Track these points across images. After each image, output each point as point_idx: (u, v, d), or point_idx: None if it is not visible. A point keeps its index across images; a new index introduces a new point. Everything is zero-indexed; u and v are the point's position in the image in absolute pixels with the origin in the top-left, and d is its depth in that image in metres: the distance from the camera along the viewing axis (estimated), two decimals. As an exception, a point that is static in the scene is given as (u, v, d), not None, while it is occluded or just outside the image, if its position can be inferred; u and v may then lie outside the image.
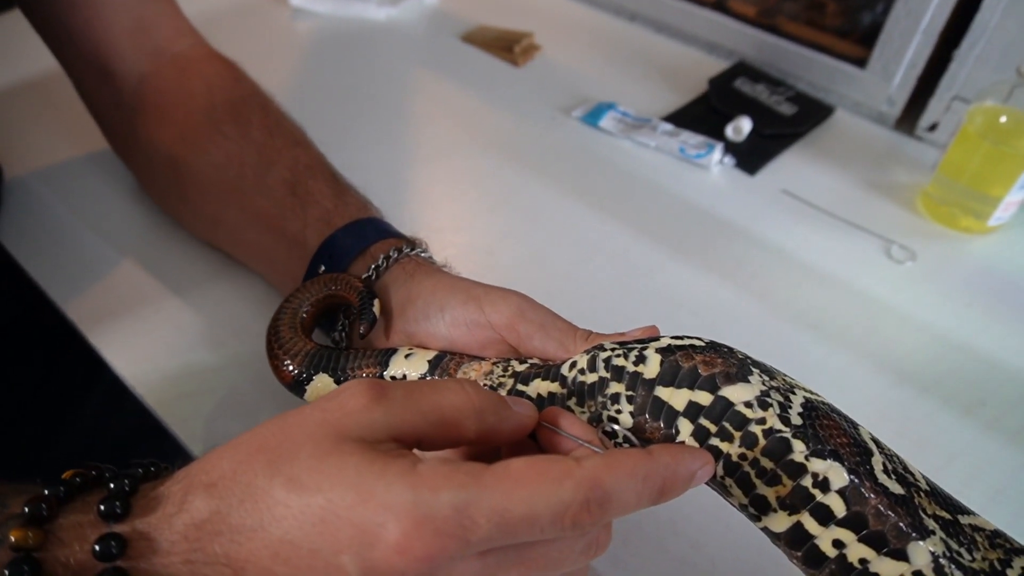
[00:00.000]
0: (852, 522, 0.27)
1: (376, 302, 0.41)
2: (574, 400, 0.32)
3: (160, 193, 0.57)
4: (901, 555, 0.26)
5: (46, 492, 0.27)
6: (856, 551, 0.27)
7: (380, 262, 0.42)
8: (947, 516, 0.28)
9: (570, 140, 0.70)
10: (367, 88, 0.75)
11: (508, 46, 0.79)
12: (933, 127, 0.70)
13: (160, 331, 0.51)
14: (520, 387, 0.34)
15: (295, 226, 0.47)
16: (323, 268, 0.45)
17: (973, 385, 0.51)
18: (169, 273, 0.55)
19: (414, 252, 0.44)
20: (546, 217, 0.62)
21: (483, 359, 0.37)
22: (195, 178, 0.51)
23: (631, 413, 0.31)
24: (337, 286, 0.42)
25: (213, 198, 0.51)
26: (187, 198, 0.53)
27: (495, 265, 0.57)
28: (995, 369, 0.52)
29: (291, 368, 0.39)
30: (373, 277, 0.42)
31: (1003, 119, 0.57)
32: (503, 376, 0.35)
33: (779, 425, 0.28)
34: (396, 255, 0.43)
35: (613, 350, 0.32)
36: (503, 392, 0.35)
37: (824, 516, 0.27)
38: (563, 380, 0.33)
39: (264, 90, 0.55)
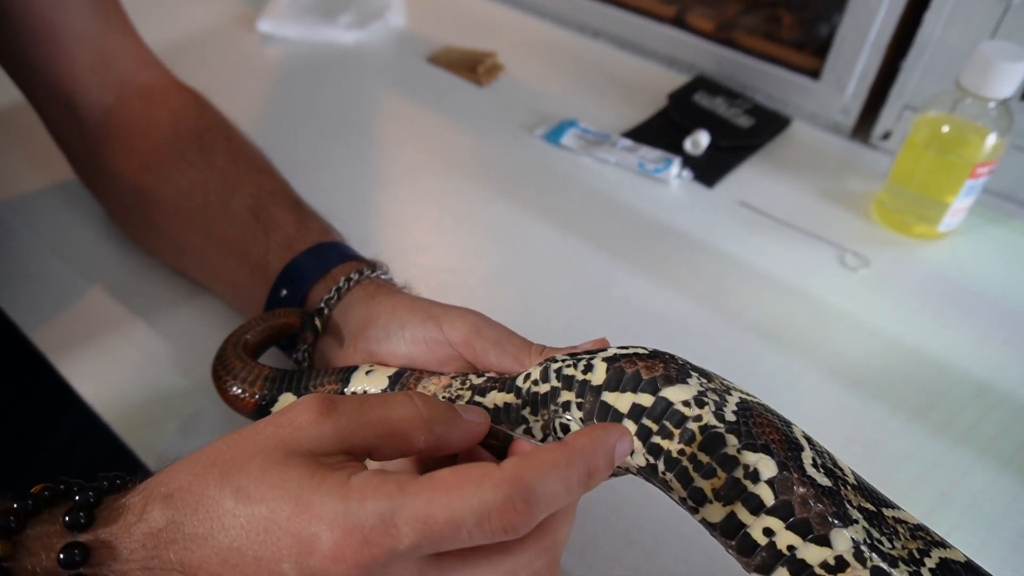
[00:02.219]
0: (780, 510, 0.28)
1: (317, 319, 0.43)
2: (528, 409, 0.34)
3: (127, 221, 0.58)
4: (824, 541, 0.28)
5: (15, 505, 0.28)
6: (784, 538, 0.28)
7: (341, 284, 0.44)
8: (871, 508, 0.29)
9: (532, 158, 0.71)
10: (335, 112, 0.77)
11: (472, 66, 0.80)
12: (887, 136, 0.72)
13: (128, 358, 0.52)
14: (477, 399, 0.36)
15: (258, 251, 0.48)
16: (285, 292, 0.46)
17: (923, 389, 0.52)
18: (136, 300, 0.56)
19: (375, 274, 0.45)
20: (507, 235, 0.63)
21: (442, 374, 0.39)
22: (161, 206, 0.53)
23: (580, 419, 0.32)
24: (275, 318, 0.43)
25: (178, 225, 0.52)
26: (153, 226, 0.54)
27: (457, 284, 0.58)
28: (944, 373, 0.53)
29: (248, 395, 0.40)
30: (335, 299, 0.44)
31: (946, 128, 0.59)
32: (461, 389, 0.37)
33: (714, 421, 0.30)
34: (357, 277, 0.44)
35: (564, 361, 0.34)
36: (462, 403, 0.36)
37: (755, 505, 0.29)
38: (518, 391, 0.34)
39: (228, 119, 0.56)
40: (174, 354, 0.52)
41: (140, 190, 0.53)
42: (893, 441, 0.49)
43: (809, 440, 0.31)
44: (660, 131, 0.73)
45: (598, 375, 0.32)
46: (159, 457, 0.47)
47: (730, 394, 0.31)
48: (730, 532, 0.29)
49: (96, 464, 0.60)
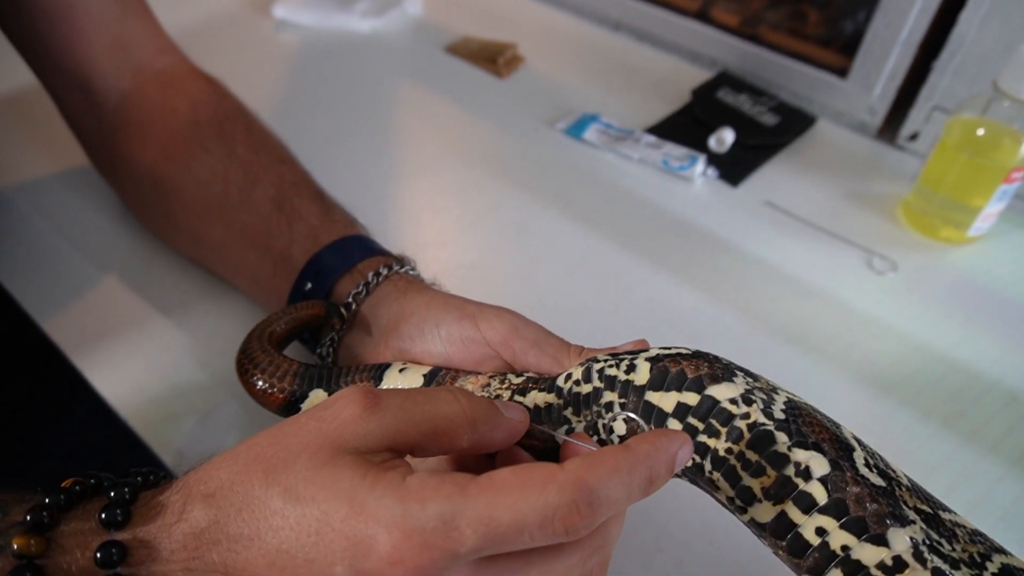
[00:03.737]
0: (833, 509, 0.27)
1: (342, 309, 0.42)
2: (571, 410, 0.33)
3: (143, 211, 0.57)
4: (881, 541, 0.27)
5: (47, 500, 0.27)
6: (838, 538, 0.27)
7: (370, 279, 0.43)
8: (928, 510, 0.28)
9: (554, 152, 0.70)
10: (351, 100, 0.75)
11: (492, 57, 0.79)
12: (914, 136, 0.71)
13: (144, 351, 0.51)
14: (517, 398, 0.35)
15: (281, 243, 0.47)
16: (309, 285, 0.45)
17: (953, 396, 0.52)
18: (152, 291, 0.55)
19: (403, 269, 0.44)
20: (530, 231, 0.62)
21: (479, 373, 0.38)
22: (179, 195, 0.51)
23: (624, 420, 0.32)
24: (299, 310, 0.42)
25: (197, 215, 0.51)
26: (171, 215, 0.53)
27: (479, 280, 0.57)
28: (975, 380, 0.53)
29: (277, 390, 0.39)
30: (363, 293, 0.43)
31: (980, 131, 0.58)
32: (500, 388, 0.36)
33: (763, 419, 0.29)
34: (386, 272, 0.43)
35: (606, 361, 0.33)
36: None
37: (807, 504, 0.28)
38: (559, 391, 0.34)
39: (248, 107, 0.55)
40: (191, 347, 0.51)
41: (157, 178, 0.52)
42: (923, 449, 0.49)
43: (859, 441, 0.30)
44: (683, 128, 0.72)
45: (641, 375, 0.32)
46: (176, 453, 0.46)
47: (777, 393, 0.31)
48: (780, 532, 0.29)
49: (110, 456, 0.60)
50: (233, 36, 0.84)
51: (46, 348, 0.53)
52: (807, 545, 0.28)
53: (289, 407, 0.39)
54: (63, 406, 0.62)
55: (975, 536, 0.29)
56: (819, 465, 0.28)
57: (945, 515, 0.29)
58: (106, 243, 0.58)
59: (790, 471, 0.28)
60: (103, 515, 0.27)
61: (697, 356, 0.32)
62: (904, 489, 0.29)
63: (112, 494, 0.27)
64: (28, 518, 0.26)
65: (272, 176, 0.49)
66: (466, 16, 0.88)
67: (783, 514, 0.28)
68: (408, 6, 0.87)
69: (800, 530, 0.28)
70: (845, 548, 0.27)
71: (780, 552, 0.29)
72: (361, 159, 0.68)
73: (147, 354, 0.51)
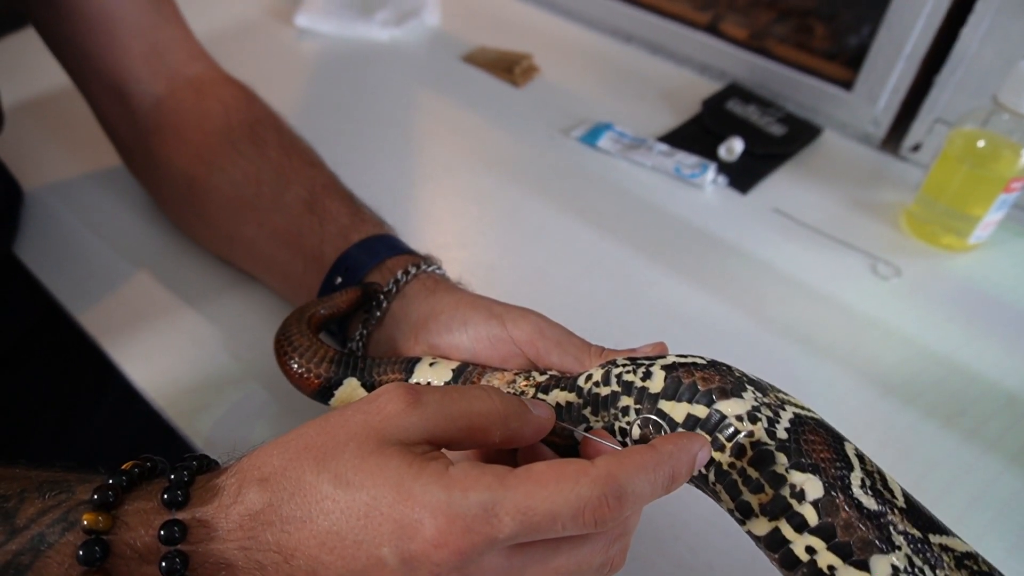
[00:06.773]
0: (823, 531, 0.29)
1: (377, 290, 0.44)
2: (589, 409, 0.35)
3: (176, 210, 0.59)
4: (864, 566, 0.29)
5: (111, 481, 0.29)
6: (825, 558, 0.29)
7: (399, 276, 0.45)
8: (917, 534, 0.30)
9: (569, 159, 0.72)
10: (371, 107, 0.78)
11: (508, 67, 0.81)
12: (916, 148, 0.73)
13: (177, 343, 0.53)
14: (540, 395, 0.37)
15: (312, 242, 0.49)
16: (339, 280, 0.47)
17: (954, 397, 0.54)
18: (184, 286, 0.57)
19: (431, 269, 0.46)
20: (546, 234, 0.64)
21: (505, 370, 0.40)
22: (212, 196, 0.53)
23: (639, 424, 0.33)
24: (334, 298, 0.44)
25: (230, 215, 0.53)
26: (203, 215, 0.55)
27: (497, 280, 0.60)
28: (974, 381, 0.55)
29: (314, 375, 0.41)
30: (393, 290, 0.45)
31: (981, 143, 0.60)
32: (525, 384, 0.38)
33: (765, 439, 0.31)
34: (415, 271, 0.45)
35: (624, 366, 0.35)
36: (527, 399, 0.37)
37: (799, 524, 0.30)
38: (579, 391, 0.36)
39: (276, 112, 0.57)
40: (221, 340, 0.53)
41: (192, 180, 0.54)
42: (925, 446, 0.50)
43: (861, 458, 0.32)
44: (694, 137, 0.74)
45: (656, 383, 0.33)
46: (206, 442, 0.48)
47: (784, 409, 0.32)
48: (774, 546, 0.30)
49: (137, 445, 0.62)
50: (256, 44, 0.86)
51: (76, 340, 0.55)
52: (798, 560, 0.30)
53: (323, 392, 0.41)
54: (92, 397, 0.64)
55: (964, 560, 0.30)
56: (814, 488, 0.30)
57: (935, 539, 0.30)
58: (137, 240, 0.60)
59: (786, 492, 0.30)
60: (165, 496, 0.28)
61: (711, 367, 0.33)
62: (897, 511, 0.30)
63: (172, 476, 0.29)
64: (95, 496, 0.28)
65: (303, 178, 0.51)
66: (482, 27, 0.91)
67: (777, 530, 0.30)
68: (426, 16, 0.90)
69: (792, 547, 0.30)
70: (831, 568, 0.29)
71: (773, 562, 0.31)
72: (381, 163, 0.71)
73: (179, 346, 0.53)
